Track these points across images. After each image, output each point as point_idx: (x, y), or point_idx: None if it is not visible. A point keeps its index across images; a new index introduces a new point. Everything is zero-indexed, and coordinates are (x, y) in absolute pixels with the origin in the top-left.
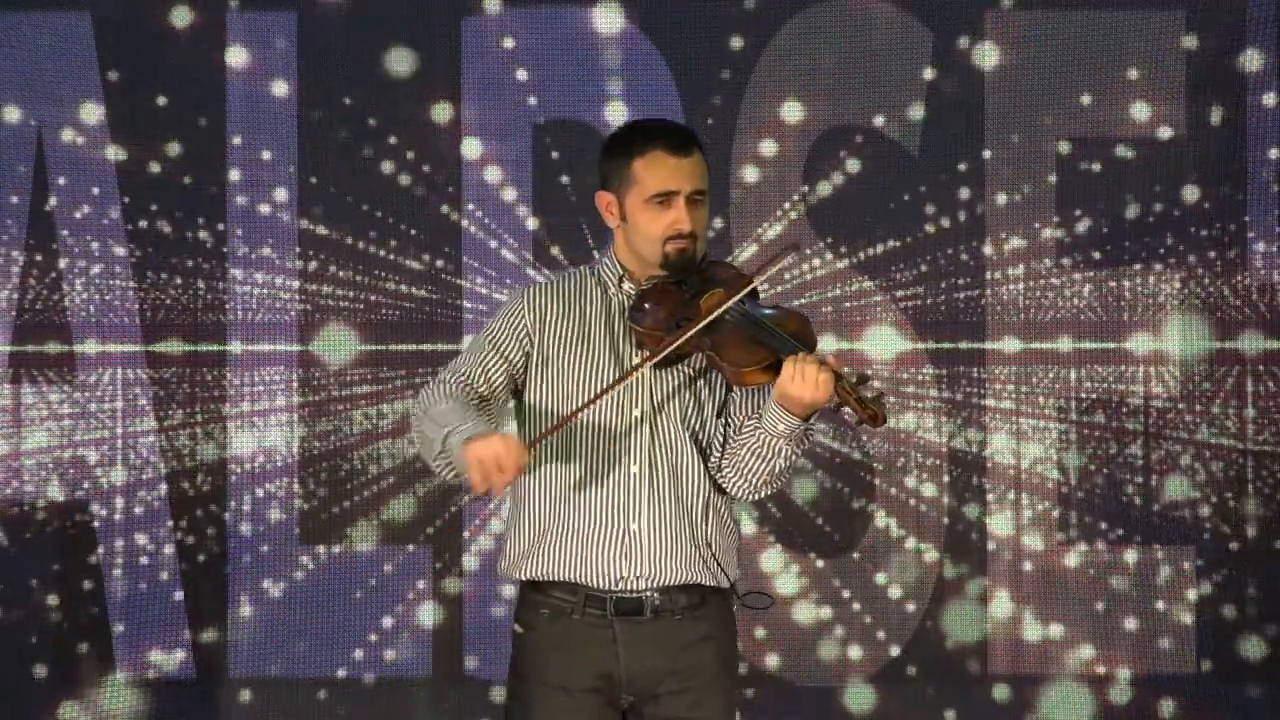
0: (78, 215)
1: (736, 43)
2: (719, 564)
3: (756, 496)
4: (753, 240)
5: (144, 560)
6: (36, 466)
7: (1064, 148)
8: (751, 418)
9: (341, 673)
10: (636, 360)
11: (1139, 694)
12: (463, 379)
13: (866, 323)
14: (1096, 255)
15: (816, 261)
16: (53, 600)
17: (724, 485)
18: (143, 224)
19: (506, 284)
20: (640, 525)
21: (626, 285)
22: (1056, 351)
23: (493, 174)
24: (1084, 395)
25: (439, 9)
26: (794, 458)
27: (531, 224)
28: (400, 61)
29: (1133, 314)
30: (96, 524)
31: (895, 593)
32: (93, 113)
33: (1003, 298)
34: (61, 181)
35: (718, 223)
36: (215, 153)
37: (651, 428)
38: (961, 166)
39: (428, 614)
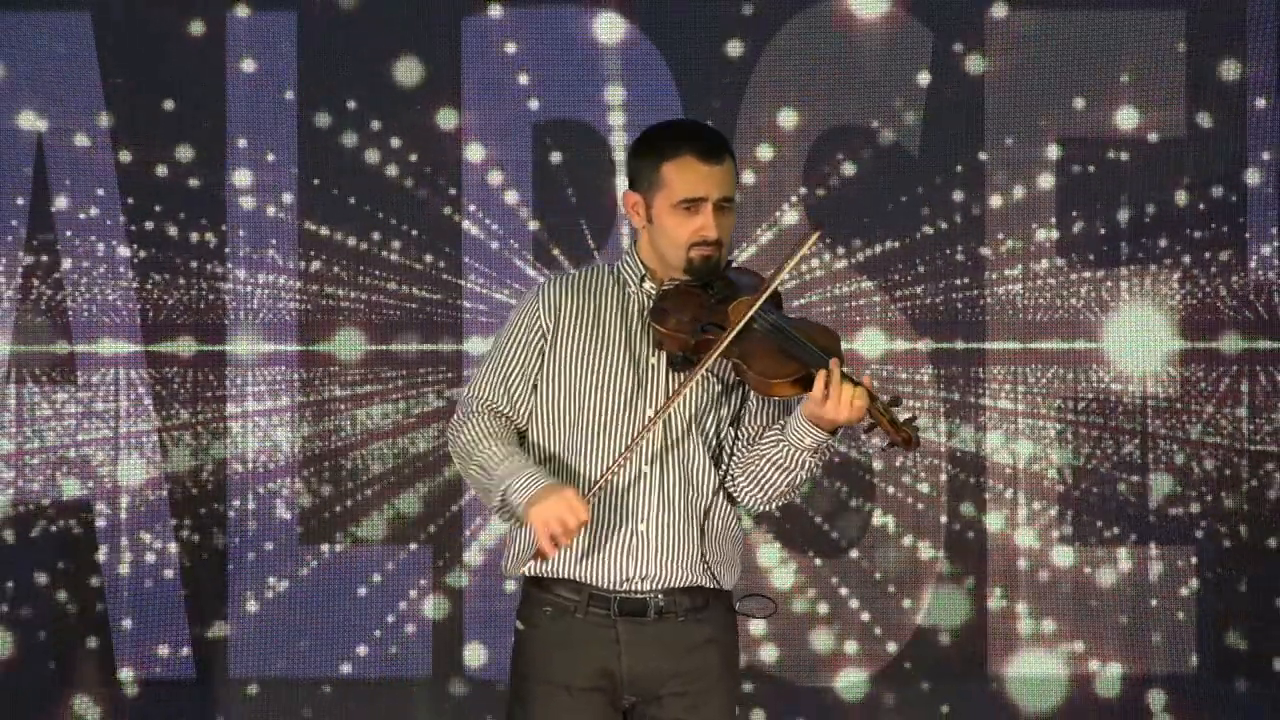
0: (81, 216)
1: (736, 43)
2: (723, 568)
3: (769, 508)
4: (751, 242)
5: (146, 559)
6: (40, 465)
7: (1061, 149)
8: (772, 429)
9: (343, 671)
10: (654, 360)
11: (1133, 691)
12: (487, 404)
13: (865, 323)
14: (1093, 256)
15: (816, 262)
16: (61, 597)
17: (735, 494)
18: (146, 225)
19: (507, 284)
20: (648, 526)
21: (648, 285)
22: (1054, 351)
23: (493, 175)
24: (1081, 395)
25: (440, 10)
26: (815, 470)
27: (532, 225)
28: (402, 63)
29: (1129, 314)
30: (101, 522)
31: (892, 590)
32: (97, 114)
33: (1001, 298)
34: (66, 183)
35: None
36: (218, 154)
37: (664, 429)
38: (960, 168)
39: (429, 612)
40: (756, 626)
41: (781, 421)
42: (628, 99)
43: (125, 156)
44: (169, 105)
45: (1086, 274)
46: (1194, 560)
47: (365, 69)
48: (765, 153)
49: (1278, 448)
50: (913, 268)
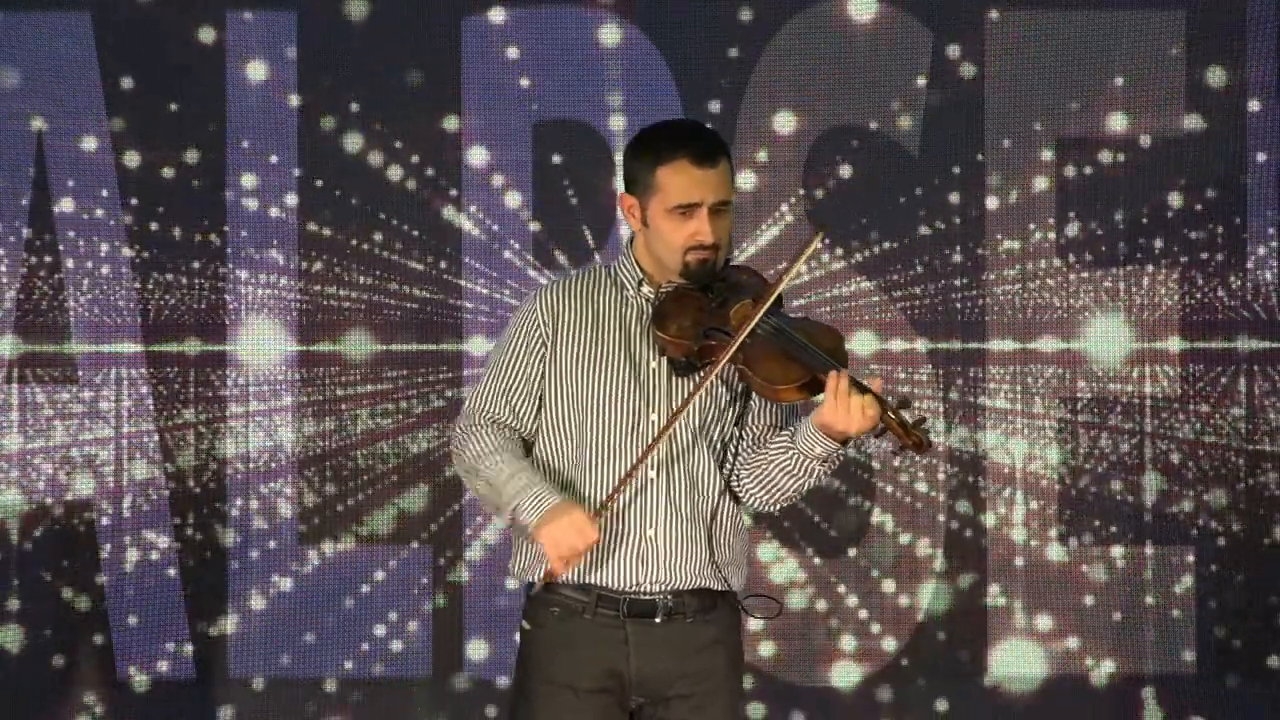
0: (84, 217)
1: (736, 43)
2: (731, 569)
3: (775, 509)
4: (750, 242)
5: (149, 558)
6: (43, 465)
7: (1060, 150)
8: (781, 434)
9: (344, 670)
10: (654, 365)
11: (1130, 689)
12: (489, 416)
13: (864, 323)
14: (1091, 257)
15: (815, 262)
16: (63, 596)
17: (741, 495)
18: (149, 226)
19: (507, 285)
20: (656, 531)
21: (645, 289)
22: (1052, 351)
23: (494, 177)
24: (1080, 395)
25: (441, 12)
26: (825, 477)
27: (533, 226)
28: (401, 63)
29: (1128, 315)
30: (103, 522)
31: (890, 588)
32: (99, 116)
33: (999, 298)
34: (68, 183)
35: None
36: (220, 156)
37: (671, 437)
38: (958, 169)
39: (429, 612)
40: (755, 623)
41: (791, 427)
42: (628, 100)
43: (127, 157)
44: (171, 107)
45: (1085, 274)
46: (1190, 559)
47: (367, 70)
48: (764, 154)
49: (1274, 447)
50: (911, 268)
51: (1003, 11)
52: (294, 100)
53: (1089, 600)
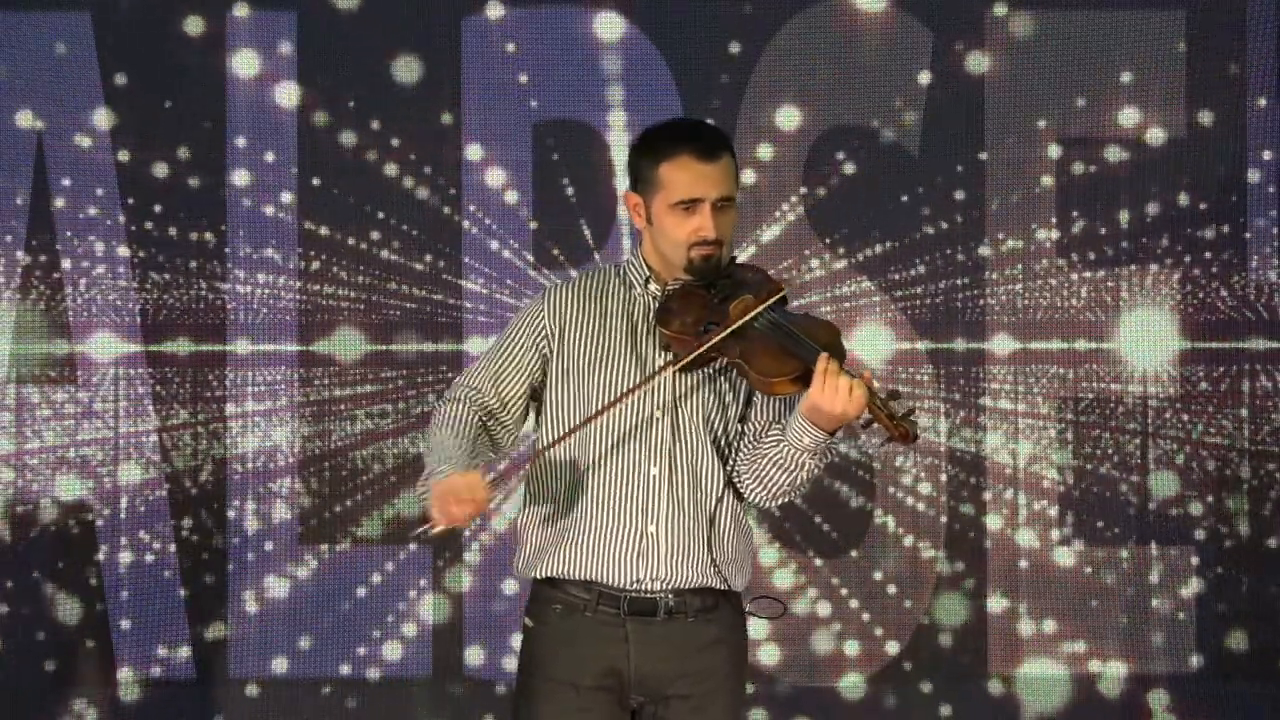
0: (81, 216)
1: (736, 43)
2: (733, 568)
3: (773, 505)
4: (751, 241)
5: (146, 559)
6: (40, 465)
7: (1062, 149)
8: (775, 426)
9: (343, 672)
10: (660, 362)
11: (1134, 691)
12: (474, 391)
13: (865, 323)
14: (1093, 256)
15: (816, 262)
16: (60, 598)
17: (741, 490)
18: (146, 225)
19: (507, 284)
20: (658, 527)
21: (653, 286)
22: (1054, 351)
23: (493, 175)
24: (1081, 395)
25: (440, 10)
26: (816, 470)
27: (532, 225)
28: (402, 63)
29: (1129, 314)
30: (100, 523)
31: (893, 591)
32: (96, 114)
33: (1001, 298)
34: (65, 183)
35: None
36: (218, 154)
37: (673, 430)
38: (960, 168)
39: (428, 613)
40: (757, 628)
41: (784, 419)
42: (628, 99)
43: (125, 156)
44: (168, 105)
45: (1087, 274)
46: (1195, 560)
47: (365, 68)
48: (765, 152)
49: (1278, 448)
50: (913, 268)
51: (1004, 11)
52: (293, 99)
53: (1092, 602)
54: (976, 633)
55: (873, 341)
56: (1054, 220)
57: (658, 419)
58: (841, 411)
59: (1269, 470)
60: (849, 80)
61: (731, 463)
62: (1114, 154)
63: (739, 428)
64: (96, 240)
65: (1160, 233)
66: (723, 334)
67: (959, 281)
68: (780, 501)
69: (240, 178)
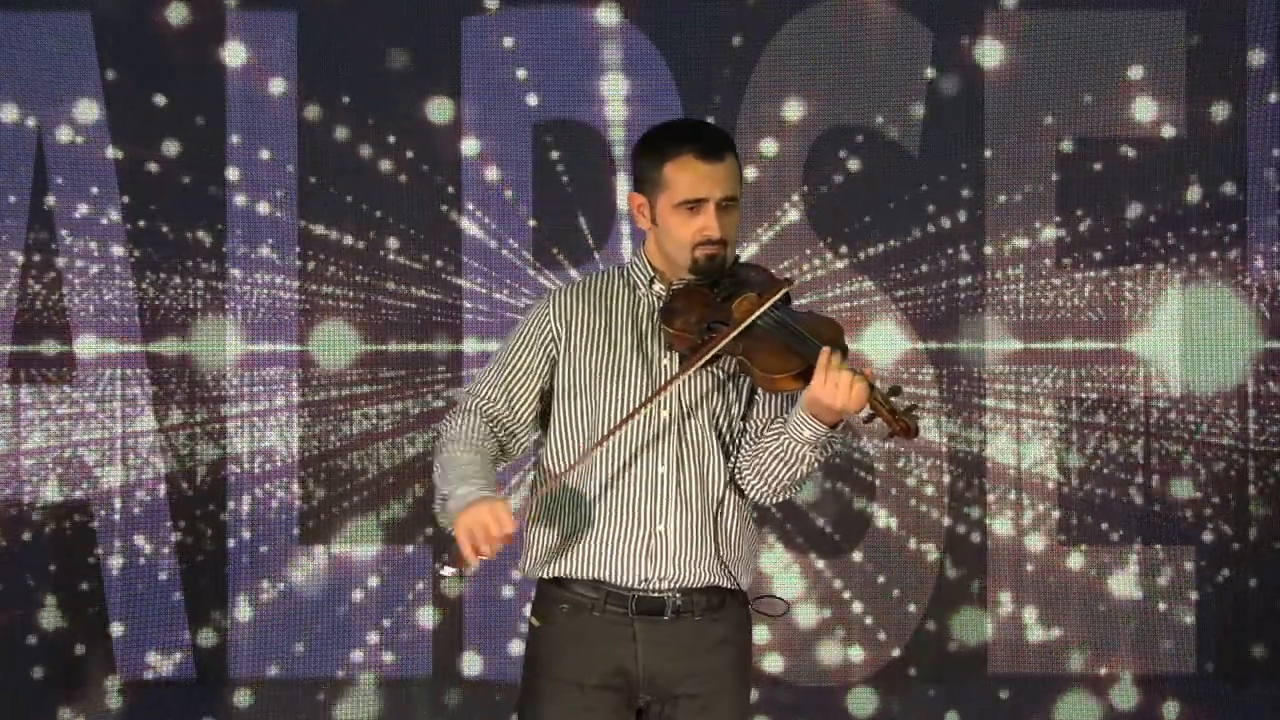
0: (77, 215)
1: (737, 42)
2: (740, 567)
3: (774, 500)
4: (752, 240)
5: (143, 561)
6: (35, 466)
7: (1064, 147)
8: (776, 422)
9: (341, 673)
10: (666, 362)
11: (1140, 695)
12: (483, 402)
13: (866, 322)
14: (1097, 255)
15: (816, 261)
16: (51, 601)
17: (743, 487)
18: (142, 223)
19: (506, 284)
20: (666, 527)
21: (657, 286)
22: (1057, 351)
23: (492, 174)
24: (1084, 395)
25: (439, 8)
26: (816, 465)
27: (531, 224)
28: (400, 60)
29: (1133, 314)
30: (95, 524)
31: (896, 593)
32: (92, 112)
33: (1003, 298)
34: (60, 181)
35: None
36: (214, 152)
37: (680, 430)
38: (962, 166)
39: (427, 614)
40: (759, 631)
41: (786, 414)
42: (627, 98)
43: (122, 155)
44: (165, 103)
45: (1089, 273)
46: (1201, 563)
47: (363, 66)
48: (766, 150)
49: None
50: (914, 267)
51: (1004, 10)
52: (286, 92)
53: (1099, 606)
54: (980, 636)
55: (874, 341)
56: (1057, 219)
57: (664, 419)
58: (842, 405)
59: (1275, 471)
60: (850, 78)
61: (733, 457)
62: (1116, 152)
63: (742, 425)
64: (93, 239)
65: (1163, 231)
66: (729, 336)
67: (960, 281)
68: (780, 498)
69: (237, 176)
